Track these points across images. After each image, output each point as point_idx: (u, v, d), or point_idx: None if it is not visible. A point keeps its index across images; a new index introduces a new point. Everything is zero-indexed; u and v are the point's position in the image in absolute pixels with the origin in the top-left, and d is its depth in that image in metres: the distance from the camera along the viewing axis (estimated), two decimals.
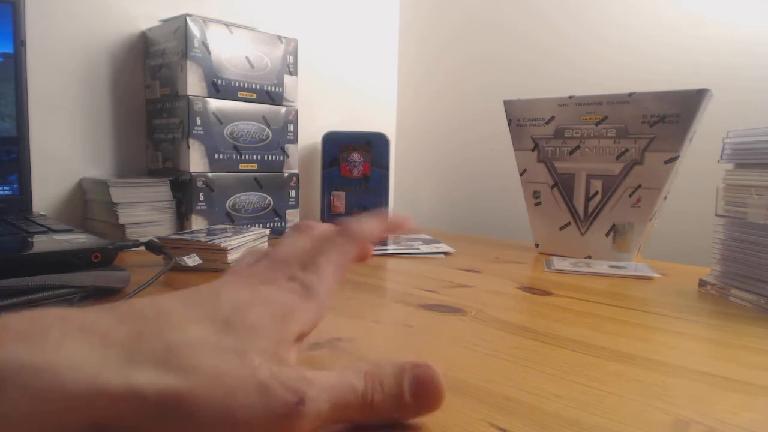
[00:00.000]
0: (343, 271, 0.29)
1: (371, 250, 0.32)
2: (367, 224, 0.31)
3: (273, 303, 0.24)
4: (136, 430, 0.19)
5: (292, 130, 0.84)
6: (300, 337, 0.24)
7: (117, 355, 0.19)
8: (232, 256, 0.57)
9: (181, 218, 0.73)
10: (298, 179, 0.84)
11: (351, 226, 0.30)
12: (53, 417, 0.18)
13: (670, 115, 0.62)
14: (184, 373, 0.20)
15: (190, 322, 0.22)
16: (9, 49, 0.64)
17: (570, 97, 0.68)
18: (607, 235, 0.68)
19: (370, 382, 0.23)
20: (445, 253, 0.71)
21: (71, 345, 0.19)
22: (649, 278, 0.58)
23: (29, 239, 0.50)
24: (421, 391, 0.24)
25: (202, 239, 0.57)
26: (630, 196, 0.65)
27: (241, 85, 0.77)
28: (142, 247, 0.55)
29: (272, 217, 0.81)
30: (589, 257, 0.69)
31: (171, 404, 0.19)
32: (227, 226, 0.71)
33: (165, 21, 0.76)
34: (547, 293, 0.51)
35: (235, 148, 0.77)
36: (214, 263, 0.56)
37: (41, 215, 0.67)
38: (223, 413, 0.20)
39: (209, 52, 0.73)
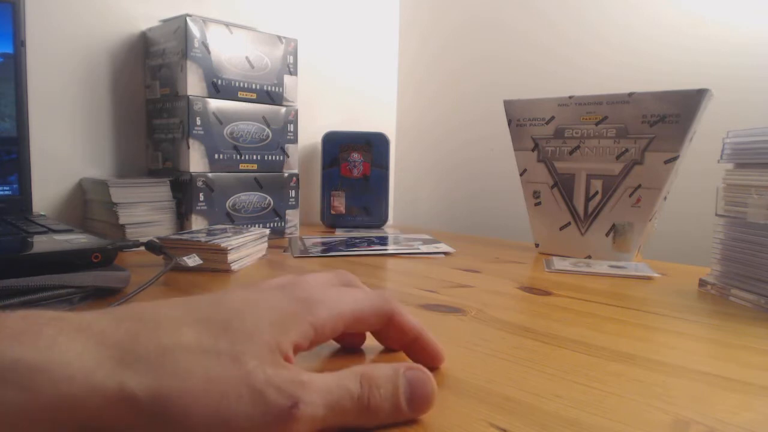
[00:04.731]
0: (357, 317, 0.27)
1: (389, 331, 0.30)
2: (409, 316, 0.30)
3: (274, 309, 0.24)
4: None
5: (292, 130, 0.84)
6: (296, 349, 0.24)
7: (111, 356, 0.19)
8: (232, 256, 0.57)
9: (181, 218, 0.73)
10: (298, 179, 0.84)
11: (396, 303, 0.30)
12: (47, 416, 0.18)
13: (670, 115, 0.62)
14: (177, 377, 0.20)
15: (186, 325, 0.22)
16: (9, 49, 0.64)
17: (570, 97, 0.68)
18: (607, 235, 0.68)
19: (366, 384, 0.23)
20: (445, 253, 0.71)
21: (65, 344, 0.19)
22: (649, 278, 0.58)
23: (29, 239, 0.50)
24: (415, 394, 0.24)
25: (202, 239, 0.57)
26: (630, 196, 0.65)
27: (241, 85, 0.77)
28: (142, 248, 0.55)
29: (272, 217, 0.81)
30: (589, 257, 0.69)
31: (163, 408, 0.19)
32: (227, 226, 0.71)
33: (165, 21, 0.76)
34: (547, 293, 0.51)
35: (235, 148, 0.77)
36: (214, 263, 0.56)
37: (41, 215, 0.67)
38: (216, 418, 0.19)
39: (209, 52, 0.73)
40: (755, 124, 0.59)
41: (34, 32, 0.70)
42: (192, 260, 0.54)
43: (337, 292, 0.27)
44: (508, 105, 0.74)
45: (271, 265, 0.62)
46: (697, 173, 0.76)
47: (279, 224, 0.82)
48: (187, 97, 0.72)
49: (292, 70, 0.83)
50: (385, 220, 0.97)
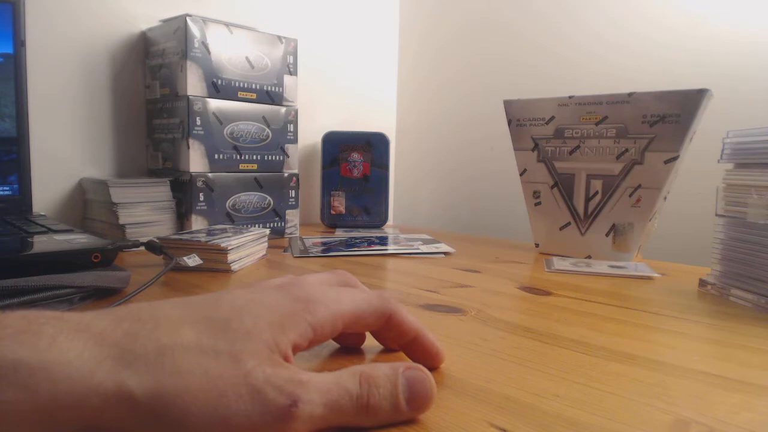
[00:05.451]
0: (356, 317, 0.27)
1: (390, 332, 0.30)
2: (408, 316, 0.30)
3: (273, 309, 0.24)
4: None
5: (292, 130, 0.84)
6: (295, 349, 0.24)
7: (111, 355, 0.19)
8: (232, 256, 0.57)
9: (181, 218, 0.73)
10: (298, 179, 0.84)
11: (395, 302, 0.30)
12: (47, 415, 0.18)
13: (670, 115, 0.62)
14: (176, 376, 0.20)
15: (186, 325, 0.22)
16: (9, 49, 0.65)
17: (570, 97, 0.68)
18: (607, 235, 0.68)
19: (365, 384, 0.23)
20: (445, 253, 0.71)
21: (65, 344, 0.19)
22: (649, 278, 0.58)
23: (29, 239, 0.50)
24: (415, 394, 0.24)
25: (202, 239, 0.57)
26: (630, 196, 0.65)
27: (241, 85, 0.77)
28: (142, 248, 0.55)
29: (272, 217, 0.81)
30: (589, 257, 0.69)
31: (162, 407, 0.19)
32: (227, 226, 0.71)
33: (165, 21, 0.76)
34: (547, 293, 0.51)
35: (235, 148, 0.77)
36: (215, 263, 0.56)
37: (41, 215, 0.67)
38: (215, 417, 0.19)
39: (209, 52, 0.73)
40: (755, 124, 0.59)
41: (34, 32, 0.70)
42: (192, 260, 0.54)
43: (336, 292, 0.27)
44: (508, 105, 0.74)
45: (271, 265, 0.62)
46: (697, 173, 0.76)
47: (279, 224, 0.82)
48: (187, 97, 0.72)
49: (292, 70, 0.83)
50: (385, 220, 0.97)
